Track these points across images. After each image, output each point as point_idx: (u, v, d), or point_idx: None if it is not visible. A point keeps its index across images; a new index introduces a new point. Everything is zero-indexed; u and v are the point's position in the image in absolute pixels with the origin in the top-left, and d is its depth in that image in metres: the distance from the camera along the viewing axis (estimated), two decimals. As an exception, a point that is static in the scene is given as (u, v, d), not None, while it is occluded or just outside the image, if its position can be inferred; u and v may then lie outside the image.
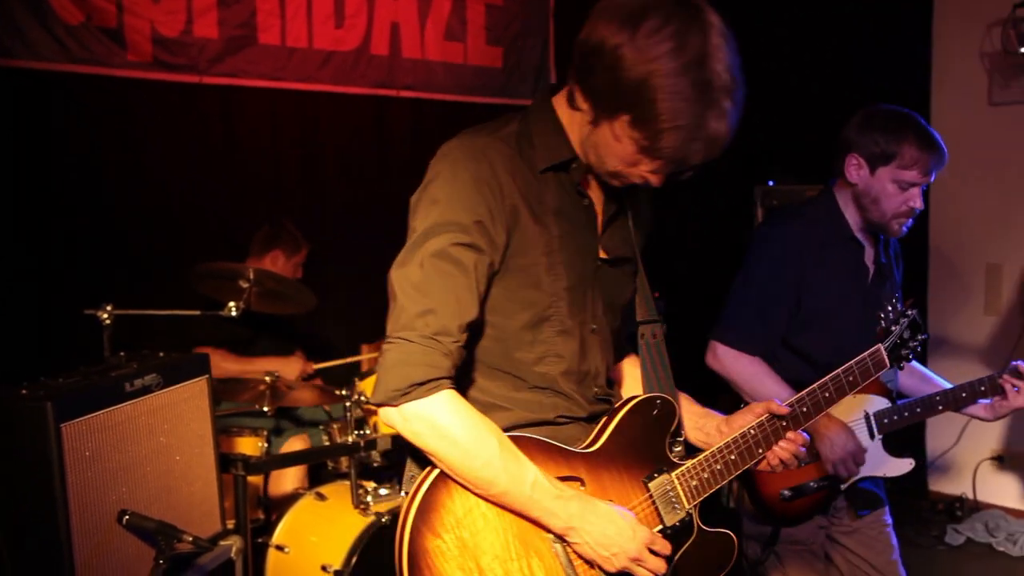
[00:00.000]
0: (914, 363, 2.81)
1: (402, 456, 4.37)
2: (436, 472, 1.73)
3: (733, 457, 1.95)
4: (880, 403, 2.84)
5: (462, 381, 1.77)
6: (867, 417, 2.81)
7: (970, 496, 5.49)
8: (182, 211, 4.52)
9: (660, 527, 1.87)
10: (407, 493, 1.78)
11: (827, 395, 2.08)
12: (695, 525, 1.92)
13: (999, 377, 2.82)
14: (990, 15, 5.09)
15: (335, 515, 3.63)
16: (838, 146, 2.81)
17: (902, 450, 2.85)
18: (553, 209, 1.80)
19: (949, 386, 2.90)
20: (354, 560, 3.41)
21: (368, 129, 5.12)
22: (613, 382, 2.05)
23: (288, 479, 4.17)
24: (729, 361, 2.79)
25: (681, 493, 1.90)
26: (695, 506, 1.93)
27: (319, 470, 4.26)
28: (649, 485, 1.88)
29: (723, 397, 3.27)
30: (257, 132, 4.79)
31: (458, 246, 1.67)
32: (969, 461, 5.52)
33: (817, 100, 5.64)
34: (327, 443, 4.06)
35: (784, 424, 2.02)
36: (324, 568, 3.43)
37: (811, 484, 2.71)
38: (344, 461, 3.77)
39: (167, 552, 2.37)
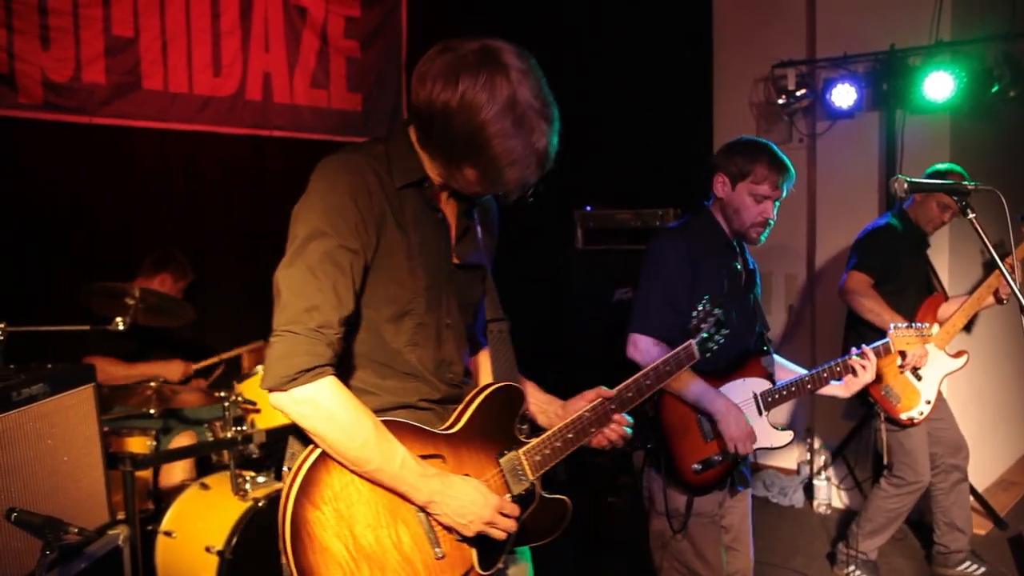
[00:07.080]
0: (774, 355, 2.89)
1: (277, 448, 4.25)
2: (317, 451, 1.69)
3: (570, 435, 1.94)
4: (764, 385, 2.83)
5: (339, 370, 1.73)
6: (755, 397, 2.81)
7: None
8: (75, 236, 4.32)
9: (508, 496, 1.86)
10: (289, 469, 1.73)
11: (648, 383, 2.04)
12: (536, 493, 1.92)
13: (849, 359, 2.86)
14: (756, 73, 5.37)
15: (217, 501, 3.49)
16: (707, 170, 2.84)
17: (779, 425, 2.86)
18: (412, 220, 1.78)
19: (804, 371, 2.90)
20: (234, 540, 3.30)
21: (245, 164, 4.99)
22: (469, 371, 2.00)
23: (177, 472, 4.00)
24: (648, 348, 2.71)
25: (527, 466, 1.89)
26: (538, 477, 1.92)
27: (206, 464, 4.09)
28: (500, 461, 1.87)
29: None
30: (146, 166, 4.64)
31: (337, 248, 1.65)
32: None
33: (623, 143, 5.84)
34: (210, 439, 3.90)
35: (612, 407, 2.00)
36: (208, 549, 3.30)
37: (715, 458, 2.70)
38: (225, 454, 3.63)
39: (54, 543, 2.22)
